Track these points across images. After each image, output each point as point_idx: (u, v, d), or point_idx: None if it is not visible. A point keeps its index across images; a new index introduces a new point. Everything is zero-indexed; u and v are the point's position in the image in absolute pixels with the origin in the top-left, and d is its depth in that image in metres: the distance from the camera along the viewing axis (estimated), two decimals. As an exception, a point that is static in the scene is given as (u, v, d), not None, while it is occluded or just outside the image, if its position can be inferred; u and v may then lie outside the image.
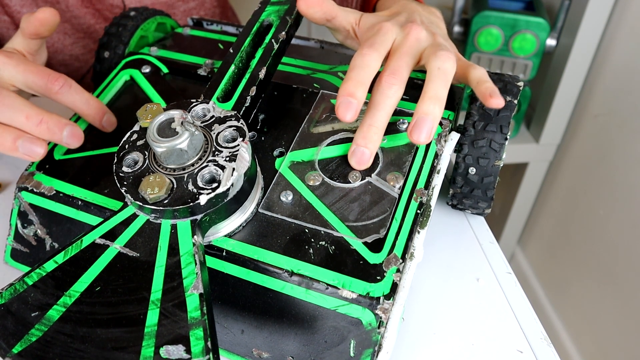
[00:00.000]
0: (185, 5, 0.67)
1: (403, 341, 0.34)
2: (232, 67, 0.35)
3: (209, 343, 0.23)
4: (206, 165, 0.28)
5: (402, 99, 0.37)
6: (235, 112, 0.31)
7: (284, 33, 0.36)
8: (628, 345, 0.92)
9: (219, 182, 0.28)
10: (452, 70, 0.32)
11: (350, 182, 0.33)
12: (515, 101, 0.36)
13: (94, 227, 0.28)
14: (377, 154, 0.34)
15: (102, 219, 0.29)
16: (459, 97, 0.40)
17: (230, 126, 0.30)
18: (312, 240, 0.31)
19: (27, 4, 0.60)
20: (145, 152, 0.30)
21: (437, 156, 0.34)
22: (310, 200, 0.32)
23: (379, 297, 0.28)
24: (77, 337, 0.24)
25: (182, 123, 0.28)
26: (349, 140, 0.35)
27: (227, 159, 0.29)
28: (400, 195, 0.32)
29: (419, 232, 0.31)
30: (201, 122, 0.31)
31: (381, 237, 0.30)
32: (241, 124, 0.30)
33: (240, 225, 0.31)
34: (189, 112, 0.31)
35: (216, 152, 0.29)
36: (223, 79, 0.34)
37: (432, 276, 0.38)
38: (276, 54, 0.36)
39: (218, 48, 0.45)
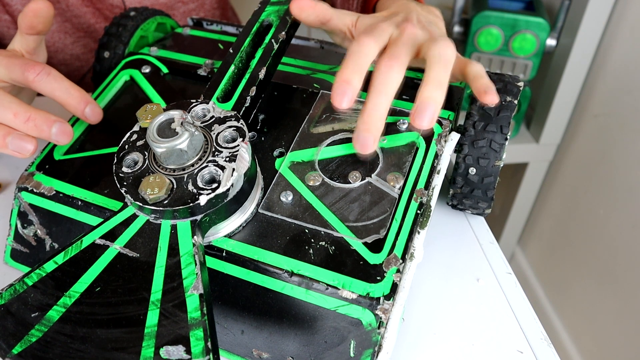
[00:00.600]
0: (184, 7, 0.67)
1: (403, 341, 0.34)
2: (232, 67, 0.35)
3: (209, 343, 0.23)
4: (206, 166, 0.28)
5: (402, 99, 0.37)
6: (235, 112, 0.31)
7: (283, 33, 0.36)
8: (628, 345, 0.92)
9: (219, 183, 0.28)
10: (453, 56, 0.32)
11: (350, 183, 0.33)
12: (515, 101, 0.36)
13: (93, 228, 0.28)
14: (377, 154, 0.34)
15: (102, 220, 0.29)
16: (459, 97, 0.40)
17: (230, 126, 0.30)
18: (312, 240, 0.31)
19: (28, 2, 0.60)
20: (145, 152, 0.30)
21: (437, 156, 0.34)
22: (310, 200, 0.32)
23: (379, 298, 0.28)
24: (77, 338, 0.24)
25: (182, 123, 0.28)
26: (349, 140, 0.35)
27: (227, 159, 0.29)
28: (400, 196, 0.32)
29: (419, 233, 0.31)
30: (201, 123, 0.31)
31: (381, 237, 0.30)
32: (241, 124, 0.30)
33: (240, 226, 0.31)
34: (188, 112, 0.31)
35: (216, 153, 0.29)
36: (223, 79, 0.34)
37: (432, 276, 0.38)
38: (276, 54, 0.36)
39: (218, 48, 0.45)
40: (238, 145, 0.29)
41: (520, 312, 0.36)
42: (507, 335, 0.34)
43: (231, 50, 0.36)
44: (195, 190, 0.28)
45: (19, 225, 0.36)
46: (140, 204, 0.27)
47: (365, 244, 0.30)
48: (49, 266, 0.27)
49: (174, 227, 0.28)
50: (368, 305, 0.28)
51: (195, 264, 0.26)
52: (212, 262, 0.31)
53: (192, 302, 0.25)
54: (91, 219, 0.34)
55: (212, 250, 0.31)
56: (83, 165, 0.36)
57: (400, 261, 0.29)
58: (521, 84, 0.37)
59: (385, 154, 0.34)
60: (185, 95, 0.40)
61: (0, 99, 0.33)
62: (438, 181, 0.33)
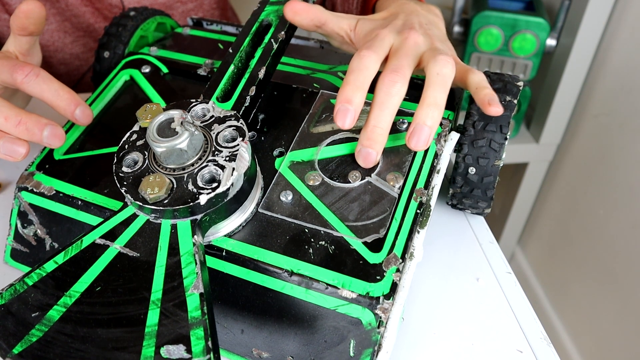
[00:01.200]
0: (183, 7, 0.67)
1: (403, 341, 0.34)
2: (232, 67, 0.35)
3: (209, 342, 0.23)
4: (206, 165, 0.28)
5: (403, 98, 0.37)
6: (235, 111, 0.31)
7: (283, 33, 0.36)
8: (628, 345, 0.92)
9: (219, 182, 0.28)
10: (452, 74, 0.32)
11: (350, 182, 0.33)
12: (515, 101, 0.36)
13: (94, 227, 0.28)
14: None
15: (102, 219, 0.29)
16: (459, 97, 0.40)
17: (230, 126, 0.30)
18: (312, 240, 0.31)
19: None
20: (145, 152, 0.30)
21: (437, 156, 0.34)
22: (310, 200, 0.32)
23: (378, 297, 0.28)
24: (77, 337, 0.24)
25: (181, 123, 0.28)
26: (349, 140, 0.35)
27: (227, 158, 0.29)
28: (400, 195, 0.32)
29: (418, 232, 0.31)
30: (201, 122, 0.31)
31: (381, 236, 0.30)
32: (241, 123, 0.30)
33: (240, 225, 0.31)
34: (188, 112, 0.31)
35: (216, 152, 0.29)
36: (222, 79, 0.34)
37: (432, 276, 0.38)
38: (275, 54, 0.36)
39: (218, 48, 0.45)
40: (238, 144, 0.29)
41: (520, 311, 0.36)
42: (506, 335, 0.34)
43: (231, 50, 0.36)
44: (195, 190, 0.28)
45: (19, 225, 0.37)
46: (140, 204, 0.28)
47: (365, 243, 0.30)
48: (49, 266, 0.27)
49: (174, 227, 0.28)
50: (368, 304, 0.28)
51: (196, 264, 0.26)
52: (212, 262, 0.31)
53: (193, 302, 0.25)
54: (91, 219, 0.34)
55: (212, 249, 0.31)
56: (83, 165, 0.36)
57: (400, 260, 0.30)
58: (521, 83, 0.37)
59: (385, 154, 0.34)
60: (185, 95, 0.40)
61: None
62: (438, 181, 0.33)
